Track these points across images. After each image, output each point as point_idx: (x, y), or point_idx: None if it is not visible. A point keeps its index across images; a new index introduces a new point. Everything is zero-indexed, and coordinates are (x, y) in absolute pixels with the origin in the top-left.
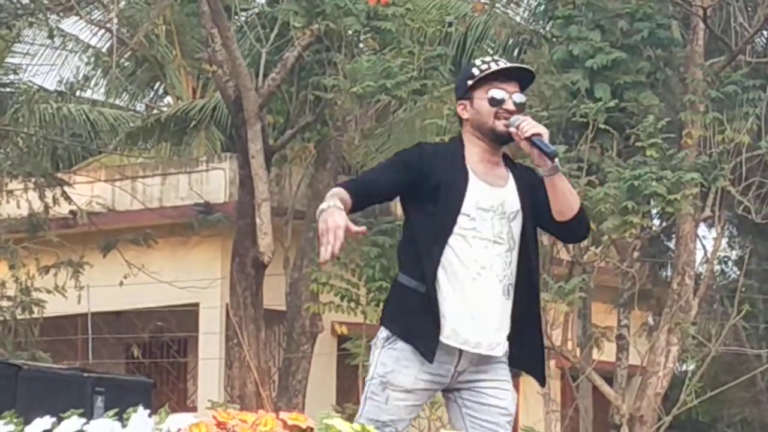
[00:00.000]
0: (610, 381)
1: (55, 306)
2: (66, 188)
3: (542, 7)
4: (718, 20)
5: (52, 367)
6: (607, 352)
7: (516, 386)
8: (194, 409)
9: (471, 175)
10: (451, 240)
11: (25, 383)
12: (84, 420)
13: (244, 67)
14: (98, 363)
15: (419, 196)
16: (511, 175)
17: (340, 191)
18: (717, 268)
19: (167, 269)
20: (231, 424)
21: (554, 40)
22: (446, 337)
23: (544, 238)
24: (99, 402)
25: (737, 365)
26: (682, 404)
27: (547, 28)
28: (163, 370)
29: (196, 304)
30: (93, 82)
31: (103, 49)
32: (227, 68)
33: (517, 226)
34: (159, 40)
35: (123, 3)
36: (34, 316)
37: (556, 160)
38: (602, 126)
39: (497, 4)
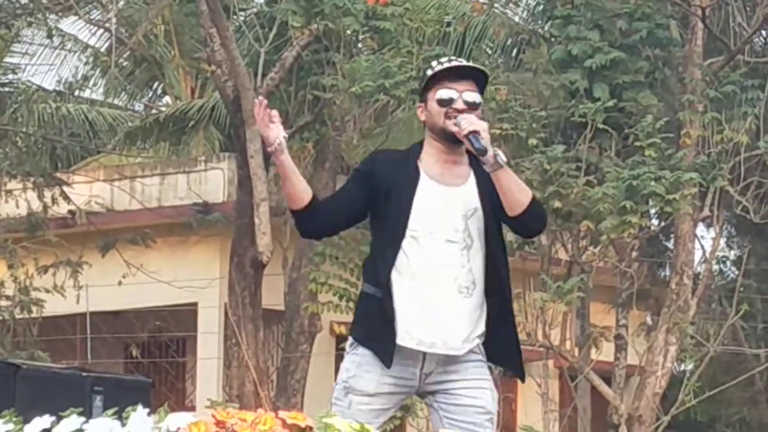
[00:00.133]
0: (608, 381)
1: (54, 305)
2: (65, 188)
3: (541, 7)
4: (716, 20)
5: (51, 367)
6: (605, 352)
7: (514, 387)
8: (192, 409)
9: (423, 176)
10: (404, 243)
11: (24, 382)
12: (83, 419)
13: (242, 67)
14: (97, 362)
15: (376, 203)
16: (472, 173)
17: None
18: (715, 267)
19: (166, 269)
20: (230, 423)
21: (553, 39)
22: (401, 339)
23: (543, 238)
24: (98, 401)
25: (735, 365)
26: (680, 404)
27: (546, 28)
28: (162, 370)
29: (195, 304)
30: (92, 82)
31: (102, 49)
32: (226, 68)
33: (475, 223)
34: (158, 39)
35: (122, 3)
36: (33, 315)
37: (500, 155)
38: (601, 126)
39: (496, 4)
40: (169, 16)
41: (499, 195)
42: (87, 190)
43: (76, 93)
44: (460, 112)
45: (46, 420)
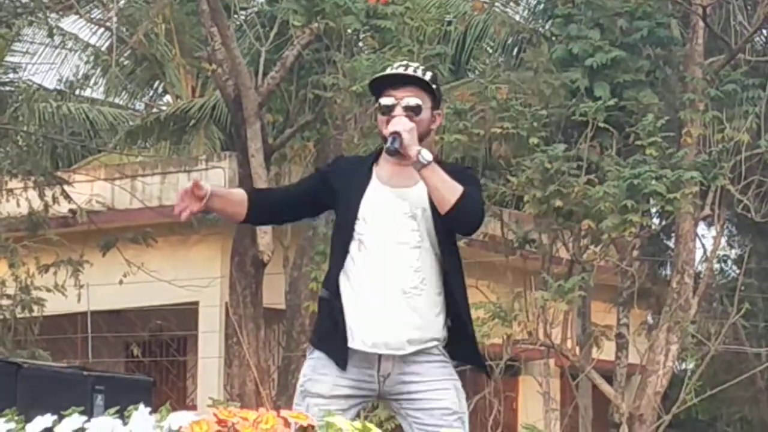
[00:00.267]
0: (609, 380)
1: (55, 304)
2: (66, 187)
3: (542, 6)
4: (717, 19)
5: (53, 366)
6: (606, 351)
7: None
8: (194, 408)
9: (374, 179)
10: (352, 246)
11: (25, 381)
12: (85, 418)
13: (243, 66)
14: (98, 361)
15: (332, 207)
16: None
17: (235, 189)
18: (716, 266)
19: (167, 268)
20: (232, 421)
21: (554, 38)
22: (350, 341)
23: (544, 237)
24: (99, 400)
25: (737, 364)
26: (681, 403)
27: (547, 27)
28: (163, 369)
29: (196, 303)
30: (92, 81)
31: (103, 48)
32: (227, 67)
33: (424, 224)
34: (158, 38)
35: (122, 2)
36: (34, 314)
37: (423, 154)
38: (602, 125)
39: (497, 3)
40: (170, 15)
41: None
42: (88, 189)
43: (77, 92)
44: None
45: (47, 419)
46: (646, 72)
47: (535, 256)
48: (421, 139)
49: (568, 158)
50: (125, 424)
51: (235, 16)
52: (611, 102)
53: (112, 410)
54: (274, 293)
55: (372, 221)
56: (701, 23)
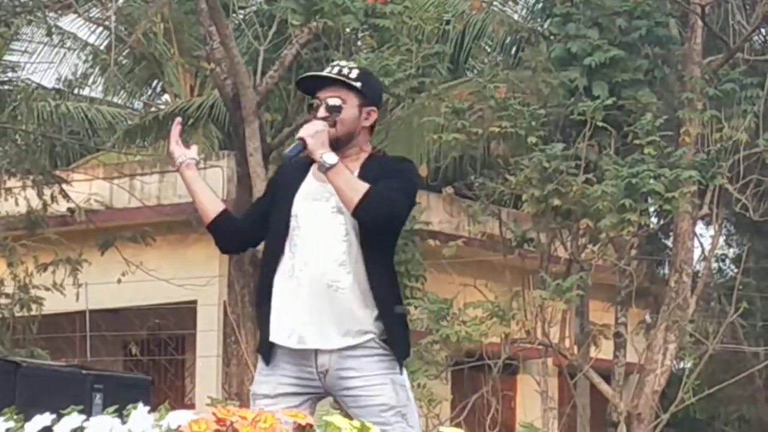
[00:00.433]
0: (607, 379)
1: (54, 303)
2: (64, 186)
3: (540, 5)
4: (716, 18)
5: (51, 365)
6: (604, 350)
7: (513, 385)
8: (192, 407)
9: (309, 176)
10: (286, 243)
11: (24, 380)
12: (84, 417)
13: (242, 65)
14: (96, 360)
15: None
16: (358, 170)
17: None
18: (714, 265)
19: (165, 267)
20: (231, 420)
21: (552, 37)
22: (279, 338)
23: (542, 236)
24: (98, 399)
25: (735, 363)
26: (679, 402)
27: (545, 26)
28: (161, 368)
29: (194, 302)
30: (91, 80)
31: (101, 47)
32: (225, 66)
33: (351, 218)
34: (157, 37)
35: (121, 0)
36: (33, 313)
37: (324, 158)
38: (600, 124)
39: (495, 2)
40: (169, 14)
41: None
42: (86, 188)
43: (76, 91)
44: (324, 119)
45: (46, 418)
46: (644, 71)
47: (533, 255)
48: (350, 136)
49: (567, 157)
50: (124, 423)
51: (234, 15)
52: (610, 101)
53: (111, 409)
54: None
55: (302, 217)
56: (700, 22)
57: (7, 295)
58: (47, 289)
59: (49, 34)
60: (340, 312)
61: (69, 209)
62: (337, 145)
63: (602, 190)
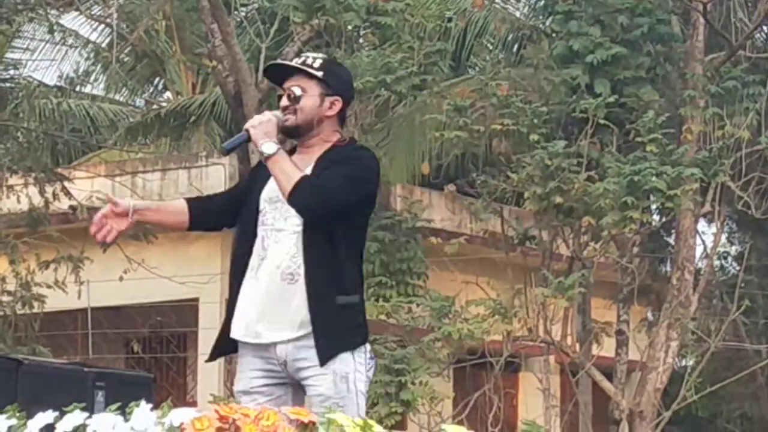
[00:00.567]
0: (609, 376)
1: (55, 301)
2: (66, 183)
3: (542, 3)
4: (718, 15)
5: (53, 362)
6: (606, 348)
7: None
8: (194, 404)
9: None
10: (255, 239)
11: (26, 378)
12: (86, 414)
13: (243, 63)
14: (98, 358)
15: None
16: (313, 163)
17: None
18: (716, 263)
19: (167, 264)
20: (233, 418)
21: (554, 35)
22: (235, 332)
23: (544, 234)
24: (99, 397)
25: (737, 361)
26: (681, 399)
27: (547, 24)
28: (163, 365)
29: (196, 299)
30: (93, 78)
31: (103, 45)
32: (227, 63)
33: None
34: (159, 35)
35: None
36: (35, 311)
37: (263, 148)
38: (602, 121)
39: (497, 0)
40: (171, 12)
41: None
42: (88, 186)
43: (77, 88)
44: (285, 108)
45: (48, 415)
46: (646, 69)
47: (535, 253)
48: (311, 124)
49: (569, 155)
50: (126, 420)
51: (236, 12)
52: (611, 99)
53: (114, 406)
54: None
55: (265, 209)
56: (702, 20)
57: (9, 293)
58: (49, 286)
59: (50, 31)
60: (289, 303)
61: (71, 207)
62: (298, 133)
63: (604, 187)
